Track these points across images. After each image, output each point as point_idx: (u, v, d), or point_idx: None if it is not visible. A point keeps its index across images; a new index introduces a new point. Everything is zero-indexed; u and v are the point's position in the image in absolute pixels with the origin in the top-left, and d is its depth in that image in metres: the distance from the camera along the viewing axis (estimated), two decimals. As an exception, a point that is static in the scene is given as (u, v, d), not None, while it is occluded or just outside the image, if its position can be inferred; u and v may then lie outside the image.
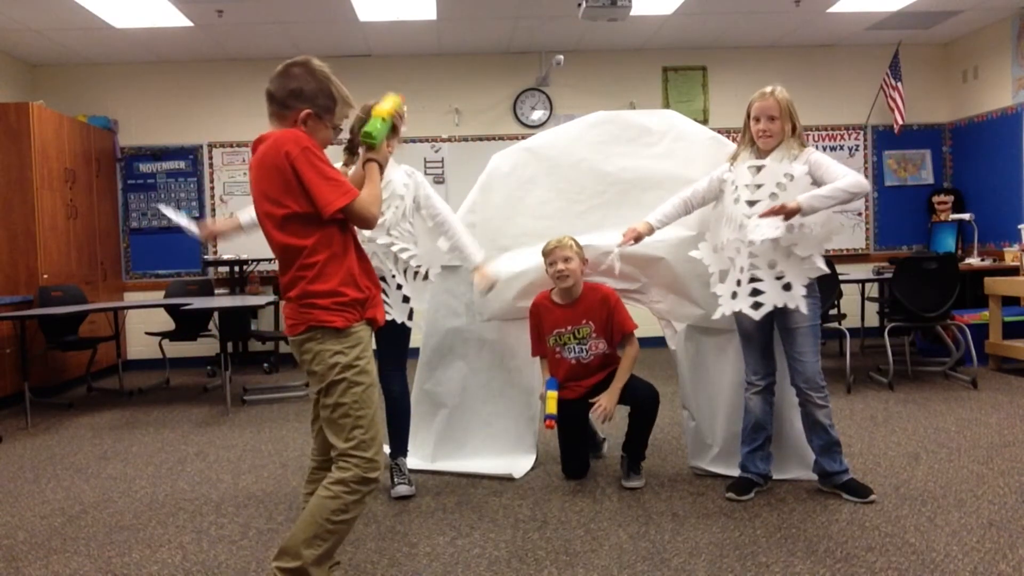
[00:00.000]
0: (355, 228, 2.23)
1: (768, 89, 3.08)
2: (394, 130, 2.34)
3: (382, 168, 2.27)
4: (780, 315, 3.08)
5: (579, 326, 3.40)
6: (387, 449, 3.54)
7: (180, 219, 2.79)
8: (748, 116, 3.12)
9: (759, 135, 3.07)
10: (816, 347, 3.10)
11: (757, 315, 3.03)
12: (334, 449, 2.14)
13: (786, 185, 3.00)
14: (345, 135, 3.21)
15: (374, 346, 3.30)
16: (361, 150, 2.35)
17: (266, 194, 2.09)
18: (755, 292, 3.04)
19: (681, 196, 3.26)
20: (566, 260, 3.35)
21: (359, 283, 2.16)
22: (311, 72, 2.13)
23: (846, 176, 2.93)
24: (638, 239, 3.21)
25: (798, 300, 2.99)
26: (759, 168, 3.07)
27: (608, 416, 3.30)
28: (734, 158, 3.18)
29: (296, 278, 2.11)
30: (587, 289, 3.45)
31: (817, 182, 2.99)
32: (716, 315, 3.15)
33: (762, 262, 3.02)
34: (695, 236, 3.40)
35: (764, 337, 3.18)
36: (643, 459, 3.45)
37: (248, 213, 2.80)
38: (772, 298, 3.01)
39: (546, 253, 3.41)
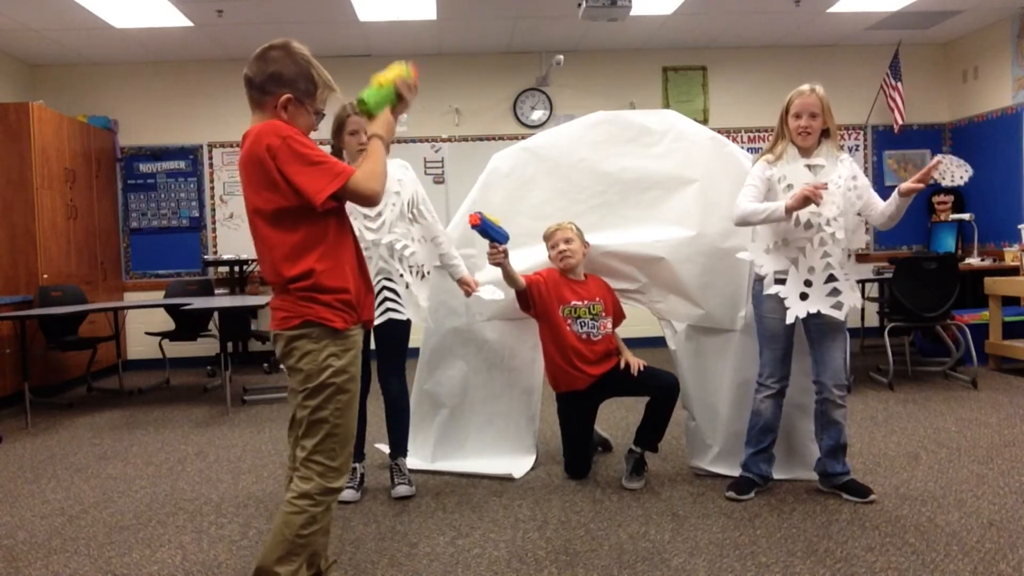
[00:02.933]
0: (353, 228, 2.15)
1: (807, 87, 3.05)
2: (401, 100, 2.10)
3: (386, 144, 2.08)
4: (817, 313, 3.05)
5: (593, 302, 3.41)
6: (386, 449, 3.55)
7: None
8: (786, 113, 3.08)
9: (799, 131, 3.04)
10: (846, 345, 3.13)
11: (841, 314, 3.02)
12: (301, 450, 2.06)
13: (841, 186, 3.02)
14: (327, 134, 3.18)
15: (372, 347, 3.33)
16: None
17: (254, 190, 2.00)
18: (835, 292, 3.03)
19: (748, 198, 3.06)
20: (567, 241, 3.39)
21: (355, 283, 2.08)
22: (290, 55, 2.02)
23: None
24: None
25: (859, 299, 3.08)
26: (815, 167, 3.05)
27: (640, 367, 3.37)
28: (777, 156, 3.10)
29: (287, 277, 2.00)
30: (588, 275, 3.50)
31: (855, 190, 3.06)
32: (789, 319, 3.04)
33: (836, 261, 3.01)
34: (695, 236, 3.40)
35: (788, 341, 3.14)
36: (655, 450, 3.45)
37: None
38: (848, 298, 3.03)
39: (547, 236, 3.44)
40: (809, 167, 3.05)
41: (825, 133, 3.08)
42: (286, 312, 2.04)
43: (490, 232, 3.09)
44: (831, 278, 3.02)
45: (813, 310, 3.02)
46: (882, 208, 3.06)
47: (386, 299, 3.21)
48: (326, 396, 2.03)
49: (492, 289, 3.43)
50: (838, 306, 3.02)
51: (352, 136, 3.16)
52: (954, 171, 2.88)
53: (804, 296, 3.03)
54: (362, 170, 1.99)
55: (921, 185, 2.88)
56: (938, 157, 2.91)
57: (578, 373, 3.37)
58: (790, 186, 3.04)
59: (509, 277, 3.28)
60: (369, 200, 2.01)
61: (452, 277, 3.42)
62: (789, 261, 3.06)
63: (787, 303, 3.04)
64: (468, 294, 3.41)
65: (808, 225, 3.01)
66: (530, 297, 3.38)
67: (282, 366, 2.10)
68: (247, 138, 2.01)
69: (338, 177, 1.93)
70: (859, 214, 3.10)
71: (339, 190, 1.94)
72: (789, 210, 2.92)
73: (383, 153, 2.06)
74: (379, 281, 3.19)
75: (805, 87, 3.06)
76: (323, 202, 1.93)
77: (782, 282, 3.06)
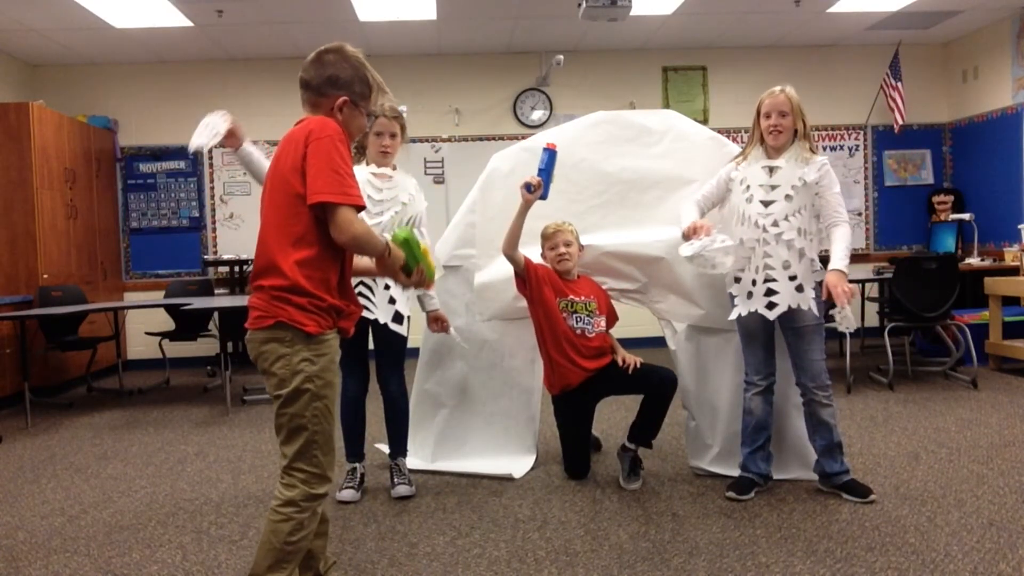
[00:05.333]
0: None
1: (778, 88, 3.11)
2: (407, 274, 2.11)
3: (377, 262, 2.08)
4: (787, 315, 3.09)
5: (589, 300, 3.42)
6: (386, 449, 3.55)
7: (204, 138, 2.54)
8: (758, 115, 3.13)
9: (769, 130, 3.08)
10: (822, 346, 3.13)
11: (772, 315, 3.05)
12: (283, 457, 2.03)
13: (799, 189, 3.05)
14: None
15: (372, 347, 3.32)
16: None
17: (279, 168, 2.01)
18: (769, 292, 3.06)
19: (694, 200, 3.24)
20: (567, 244, 3.40)
21: (337, 292, 2.05)
22: (346, 58, 2.06)
23: (841, 227, 3.06)
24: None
25: (809, 301, 3.05)
26: (773, 169, 3.09)
27: (636, 364, 3.36)
28: (744, 157, 3.18)
29: (272, 266, 1.98)
30: (580, 276, 3.52)
31: (819, 195, 3.07)
32: (732, 316, 3.15)
33: (777, 262, 3.05)
34: (695, 236, 3.40)
35: (767, 337, 3.18)
36: (650, 446, 3.44)
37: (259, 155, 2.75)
38: (786, 299, 3.04)
39: (546, 236, 3.44)
40: (771, 169, 3.09)
41: (804, 135, 3.10)
42: (260, 311, 2.01)
43: (545, 173, 3.16)
44: (769, 279, 3.06)
45: (752, 309, 3.08)
46: (831, 240, 3.06)
47: (360, 295, 3.20)
48: (303, 402, 1.99)
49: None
50: (770, 306, 3.05)
51: (377, 137, 3.21)
52: (849, 318, 2.99)
53: (751, 295, 3.10)
54: (365, 225, 1.98)
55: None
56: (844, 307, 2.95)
57: (572, 367, 3.37)
58: (748, 187, 3.11)
59: (515, 236, 3.27)
60: (342, 235, 1.94)
61: (423, 308, 3.42)
62: (745, 260, 3.11)
63: (736, 301, 3.13)
64: (435, 331, 3.45)
65: (755, 225, 3.06)
66: (527, 275, 3.38)
67: (258, 368, 2.08)
68: (301, 122, 2.05)
69: (341, 195, 1.91)
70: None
71: (330, 205, 1.92)
72: (683, 234, 3.06)
73: (377, 244, 2.02)
74: (360, 279, 3.19)
75: (776, 88, 3.12)
76: (313, 204, 1.93)
77: (740, 280, 3.14)
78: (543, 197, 3.22)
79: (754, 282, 3.10)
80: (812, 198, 3.08)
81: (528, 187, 3.18)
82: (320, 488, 2.03)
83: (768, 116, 3.09)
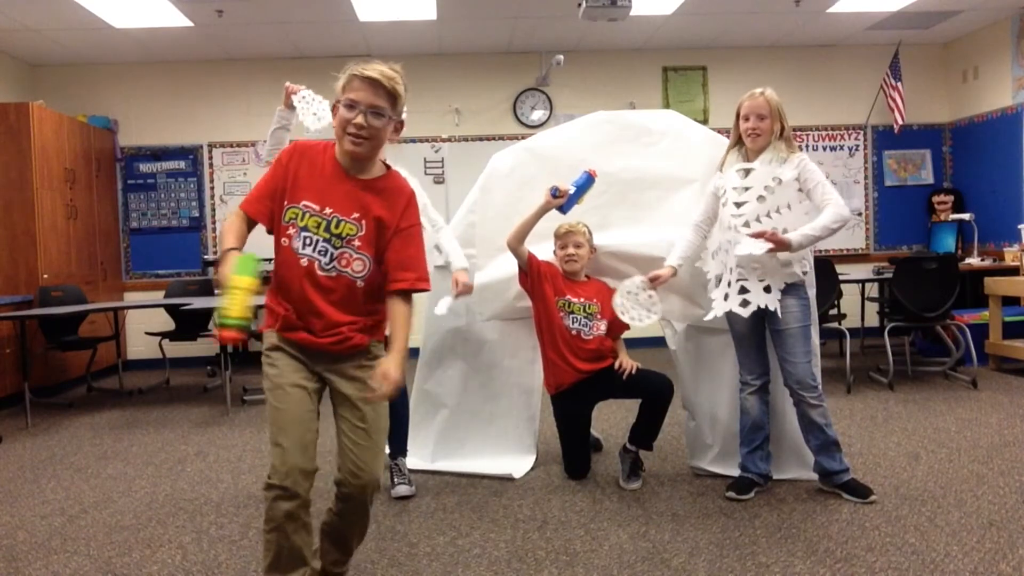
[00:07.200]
0: (289, 248, 2.08)
1: (758, 90, 3.11)
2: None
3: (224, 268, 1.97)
4: (769, 317, 3.10)
5: (590, 302, 3.42)
6: (386, 449, 3.55)
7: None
8: (737, 117, 3.14)
9: (747, 133, 3.09)
10: (806, 348, 3.10)
11: (745, 312, 3.06)
12: None
13: (774, 189, 3.04)
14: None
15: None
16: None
17: None
18: (743, 290, 3.07)
19: (694, 223, 3.25)
20: (577, 245, 3.41)
21: (279, 294, 2.14)
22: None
23: (828, 207, 2.96)
24: (661, 281, 3.24)
25: (775, 303, 3.04)
26: (747, 171, 3.09)
27: (632, 369, 3.35)
28: (722, 164, 3.19)
29: None
30: (590, 278, 3.53)
31: (803, 190, 3.04)
32: (708, 317, 3.18)
33: (746, 262, 3.06)
34: (695, 236, 3.41)
35: (757, 337, 3.19)
36: (650, 449, 3.44)
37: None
38: (755, 298, 3.05)
39: (558, 235, 3.45)
40: (745, 171, 3.10)
41: (782, 136, 3.09)
42: None
43: (576, 191, 3.21)
44: (742, 278, 3.07)
45: (727, 308, 3.09)
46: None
47: None
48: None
49: (445, 303, 3.43)
50: (744, 304, 3.06)
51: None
52: (746, 246, 2.99)
53: (727, 296, 3.11)
54: (230, 220, 2.13)
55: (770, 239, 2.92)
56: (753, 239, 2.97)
57: (565, 366, 3.38)
58: (725, 192, 3.12)
59: (524, 232, 3.30)
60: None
61: (450, 266, 3.38)
62: (721, 265, 3.15)
63: (713, 304, 3.14)
64: (457, 295, 3.36)
65: (729, 228, 3.08)
66: (529, 269, 3.39)
67: None
68: None
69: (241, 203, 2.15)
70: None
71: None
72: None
73: (222, 247, 2.06)
74: None
75: (756, 90, 3.11)
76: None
77: (719, 283, 3.17)
78: (562, 210, 3.24)
79: (728, 283, 3.11)
80: (793, 196, 3.05)
81: (554, 192, 3.20)
82: (272, 478, 2.02)
83: (747, 119, 3.08)
